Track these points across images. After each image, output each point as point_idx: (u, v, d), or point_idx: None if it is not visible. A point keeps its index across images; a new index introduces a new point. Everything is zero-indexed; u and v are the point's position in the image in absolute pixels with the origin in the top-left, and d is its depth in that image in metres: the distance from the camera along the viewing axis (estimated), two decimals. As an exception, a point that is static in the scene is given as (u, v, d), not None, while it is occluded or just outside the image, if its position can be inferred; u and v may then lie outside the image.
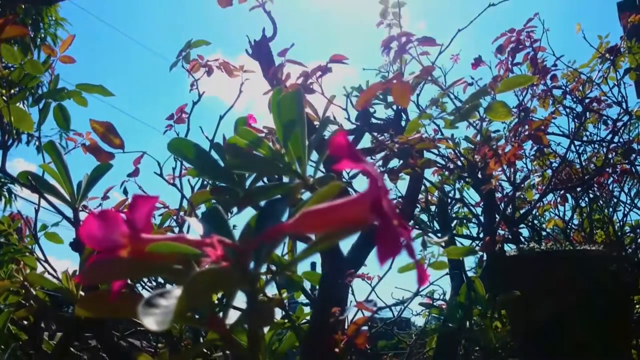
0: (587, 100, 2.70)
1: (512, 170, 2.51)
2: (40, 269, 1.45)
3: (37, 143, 7.13)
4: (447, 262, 1.04)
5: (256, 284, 0.53)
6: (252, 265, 0.54)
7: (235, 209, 1.11)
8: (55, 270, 1.32)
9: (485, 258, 2.00)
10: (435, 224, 2.47)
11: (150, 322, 0.39)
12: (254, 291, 0.52)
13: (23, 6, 7.45)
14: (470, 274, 2.50)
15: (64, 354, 0.98)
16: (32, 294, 0.97)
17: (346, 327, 1.29)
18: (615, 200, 3.08)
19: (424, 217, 2.45)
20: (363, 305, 0.99)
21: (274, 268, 1.19)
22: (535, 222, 3.55)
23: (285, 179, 0.92)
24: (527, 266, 2.28)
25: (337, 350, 0.97)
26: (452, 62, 3.14)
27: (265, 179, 1.12)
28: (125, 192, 1.77)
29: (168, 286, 0.82)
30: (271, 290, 1.64)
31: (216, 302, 1.00)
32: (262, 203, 0.73)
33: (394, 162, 1.76)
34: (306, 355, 0.93)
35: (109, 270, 0.52)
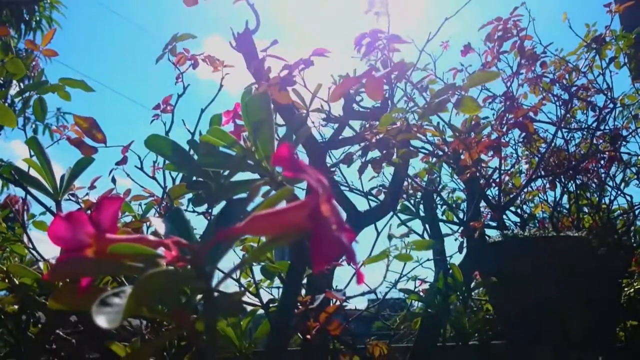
0: (574, 88, 2.73)
1: (501, 158, 2.55)
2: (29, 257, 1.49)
3: (33, 126, 7.19)
4: (411, 254, 1.08)
5: (211, 282, 0.57)
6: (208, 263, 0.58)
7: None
8: (43, 258, 1.36)
9: (466, 244, 2.04)
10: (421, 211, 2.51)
11: (102, 320, 0.43)
12: (210, 288, 0.56)
13: (18, -12, 7.43)
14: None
15: (48, 338, 1.03)
16: (15, 283, 1.01)
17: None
18: (602, 185, 3.12)
19: (409, 203, 2.48)
20: (332, 294, 1.03)
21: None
22: (525, 207, 3.61)
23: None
24: (510, 252, 2.33)
25: (308, 336, 1.02)
26: (441, 49, 3.16)
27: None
28: (113, 180, 1.80)
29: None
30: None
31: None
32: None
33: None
34: (270, 340, 0.98)
35: (75, 268, 0.56)
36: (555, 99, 2.83)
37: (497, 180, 2.82)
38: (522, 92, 3.03)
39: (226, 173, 1.01)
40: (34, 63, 1.31)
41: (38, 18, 8.40)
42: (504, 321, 2.47)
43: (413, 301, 2.34)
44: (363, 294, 1.41)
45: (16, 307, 1.07)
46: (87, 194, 1.62)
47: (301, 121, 0.92)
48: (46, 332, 1.02)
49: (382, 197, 2.30)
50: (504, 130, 2.45)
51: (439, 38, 3.31)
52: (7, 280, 0.99)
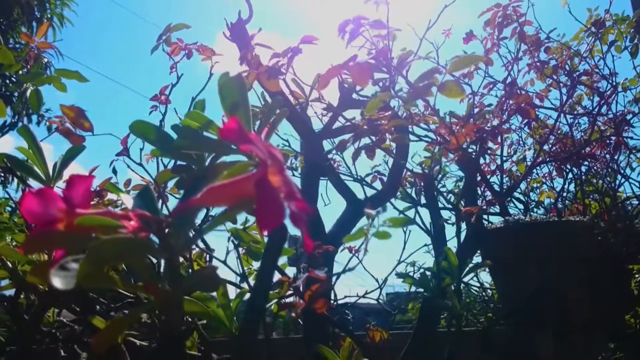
0: (576, 74, 2.73)
1: (497, 144, 2.56)
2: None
3: (47, 123, 7.27)
4: (389, 232, 1.10)
5: (175, 252, 0.59)
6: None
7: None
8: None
9: (464, 229, 2.05)
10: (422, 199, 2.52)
11: (57, 281, 0.46)
12: (173, 258, 0.59)
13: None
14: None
15: (40, 319, 1.06)
16: (9, 266, 1.05)
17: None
18: (613, 171, 3.11)
19: (410, 192, 2.50)
20: (314, 273, 1.05)
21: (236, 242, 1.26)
22: (533, 195, 3.61)
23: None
24: (512, 237, 2.34)
25: (293, 315, 1.04)
26: (444, 37, 3.17)
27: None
28: (114, 171, 1.84)
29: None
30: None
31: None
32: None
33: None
34: (243, 318, 1.00)
35: (46, 241, 0.59)
36: (562, 85, 2.82)
37: (501, 166, 2.83)
38: (529, 78, 3.04)
39: (211, 157, 1.04)
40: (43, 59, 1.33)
41: (49, 15, 8.51)
42: (507, 306, 2.49)
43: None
44: (338, 275, 1.43)
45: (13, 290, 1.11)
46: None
47: (279, 104, 0.95)
48: (37, 314, 1.06)
49: (376, 183, 2.32)
50: (506, 116, 2.46)
51: (442, 26, 3.31)
52: (1, 264, 1.03)
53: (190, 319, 1.42)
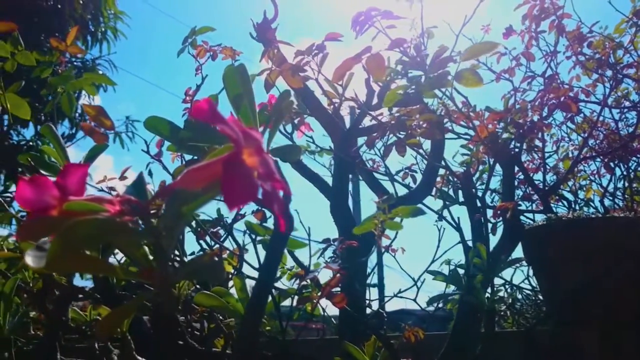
0: (620, 66, 2.64)
1: (538, 139, 2.50)
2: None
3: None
4: (400, 223, 1.09)
5: (162, 237, 0.60)
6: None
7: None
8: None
9: (499, 226, 2.01)
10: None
11: (30, 260, 0.47)
12: (160, 243, 0.60)
13: (81, 1, 7.80)
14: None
15: (62, 311, 1.10)
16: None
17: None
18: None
19: (448, 189, 2.47)
20: (330, 266, 1.05)
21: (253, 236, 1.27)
22: (580, 192, 3.51)
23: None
24: (554, 234, 2.28)
25: (309, 307, 1.04)
26: (483, 33, 3.12)
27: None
28: (150, 173, 1.88)
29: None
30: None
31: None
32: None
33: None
34: (246, 310, 1.00)
35: (40, 228, 0.61)
36: (607, 79, 2.73)
37: (543, 163, 2.76)
38: (575, 74, 2.97)
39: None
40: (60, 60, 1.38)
41: (103, 29, 8.79)
42: (551, 305, 2.42)
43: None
44: (325, 253, 1.42)
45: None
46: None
47: (286, 96, 0.95)
48: (59, 306, 1.10)
49: (408, 180, 2.30)
50: (546, 111, 2.40)
51: (481, 22, 3.26)
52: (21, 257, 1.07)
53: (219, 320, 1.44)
